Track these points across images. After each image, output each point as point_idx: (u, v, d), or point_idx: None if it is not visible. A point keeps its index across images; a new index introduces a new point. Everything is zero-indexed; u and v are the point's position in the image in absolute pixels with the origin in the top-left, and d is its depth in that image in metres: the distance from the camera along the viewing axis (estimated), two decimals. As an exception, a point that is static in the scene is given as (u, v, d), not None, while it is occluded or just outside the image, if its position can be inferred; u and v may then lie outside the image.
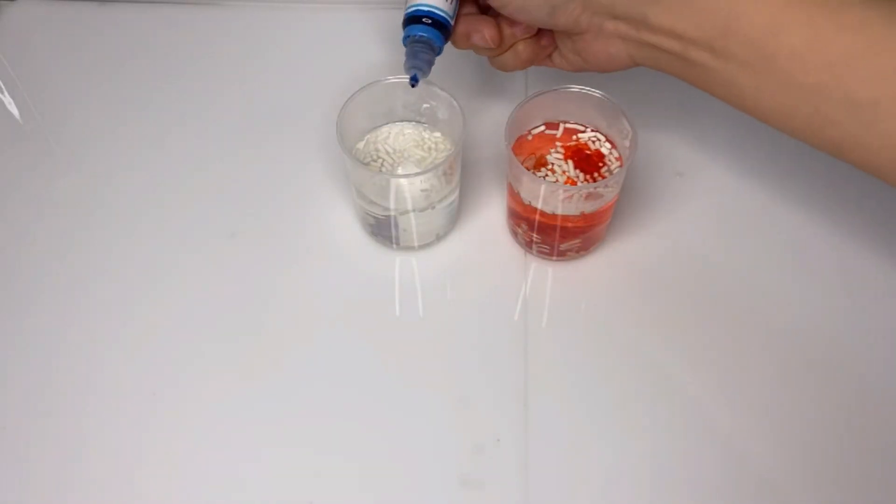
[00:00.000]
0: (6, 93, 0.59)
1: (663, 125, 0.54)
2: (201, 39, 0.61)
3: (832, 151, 0.38)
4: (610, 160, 0.46)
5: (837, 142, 0.37)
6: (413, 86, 0.45)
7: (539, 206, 0.44)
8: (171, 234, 0.51)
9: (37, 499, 0.41)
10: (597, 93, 0.45)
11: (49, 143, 0.56)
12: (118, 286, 0.49)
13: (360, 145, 0.48)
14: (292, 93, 0.57)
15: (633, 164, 0.51)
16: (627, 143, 0.44)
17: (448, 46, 0.46)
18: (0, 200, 0.53)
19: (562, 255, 0.48)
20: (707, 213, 0.50)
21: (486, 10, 0.46)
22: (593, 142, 0.47)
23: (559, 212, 0.44)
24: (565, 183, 0.45)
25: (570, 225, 0.45)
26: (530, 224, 0.46)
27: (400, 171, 0.47)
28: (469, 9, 0.46)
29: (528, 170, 0.44)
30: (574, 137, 0.47)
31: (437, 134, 0.49)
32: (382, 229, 0.48)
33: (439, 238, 0.50)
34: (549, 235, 0.46)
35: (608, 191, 0.44)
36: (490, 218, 0.51)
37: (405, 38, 0.45)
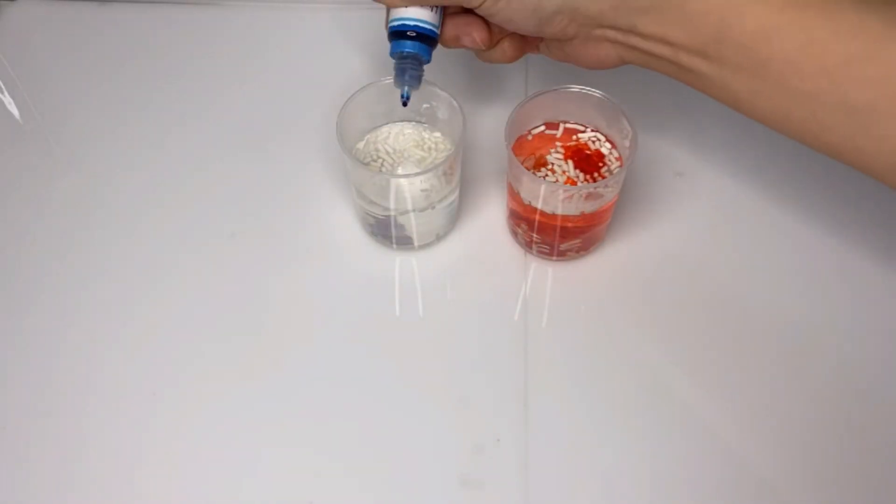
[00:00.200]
0: (6, 93, 0.59)
1: (663, 125, 0.54)
2: (201, 39, 0.61)
3: (829, 154, 0.37)
4: (610, 160, 0.46)
5: (834, 146, 0.37)
6: (405, 104, 0.45)
7: (539, 206, 0.44)
8: (171, 234, 0.51)
9: (37, 499, 0.41)
10: (597, 93, 0.45)
11: (49, 143, 0.56)
12: (118, 286, 0.49)
13: (360, 145, 0.48)
14: (292, 93, 0.57)
15: (633, 164, 0.51)
16: (627, 143, 0.44)
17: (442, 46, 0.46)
18: (0, 200, 0.53)
19: (562, 255, 0.48)
20: (707, 213, 0.50)
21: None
22: (593, 142, 0.47)
23: (559, 212, 0.44)
24: (565, 183, 0.45)
25: (570, 225, 0.45)
26: (530, 224, 0.46)
27: (400, 171, 0.47)
28: (455, 9, 0.45)
29: (528, 170, 0.44)
30: (574, 137, 0.47)
31: (437, 134, 0.49)
32: (382, 229, 0.48)
33: (439, 238, 0.50)
34: (549, 235, 0.46)
35: (608, 191, 0.44)
36: (490, 218, 0.51)
37: (392, 53, 0.44)
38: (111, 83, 0.59)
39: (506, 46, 0.45)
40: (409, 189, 0.45)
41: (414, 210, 0.46)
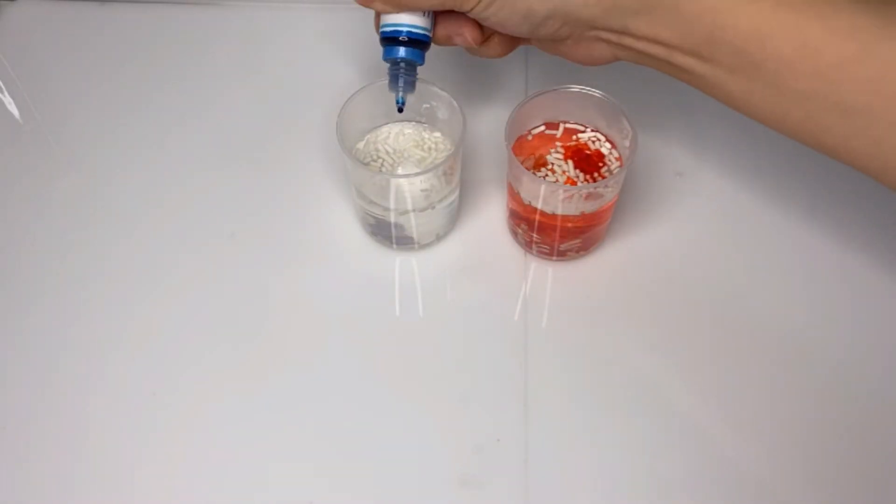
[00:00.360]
0: (6, 93, 0.59)
1: (663, 125, 0.54)
2: (201, 39, 0.61)
3: (828, 154, 0.37)
4: (610, 160, 0.46)
5: (831, 146, 0.37)
6: (400, 110, 0.45)
7: (539, 206, 0.44)
8: (171, 234, 0.51)
9: (37, 499, 0.41)
10: (597, 93, 0.45)
11: (49, 143, 0.56)
12: (118, 286, 0.49)
13: (360, 145, 0.48)
14: (292, 93, 0.57)
15: (633, 164, 0.51)
16: (627, 143, 0.44)
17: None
18: (0, 200, 0.53)
19: (562, 255, 0.48)
20: (707, 212, 0.50)
21: None
22: (593, 142, 0.47)
23: (559, 212, 0.44)
24: (565, 183, 0.45)
25: (570, 225, 0.45)
26: (530, 224, 0.46)
27: (400, 171, 0.47)
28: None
29: (528, 170, 0.44)
30: (574, 137, 0.47)
31: (437, 134, 0.49)
32: (382, 229, 0.48)
33: (439, 238, 0.50)
34: (549, 235, 0.46)
35: (608, 191, 0.44)
36: (490, 218, 0.51)
37: (385, 58, 0.44)
38: (111, 83, 0.59)
39: (496, 42, 0.45)
40: (409, 189, 0.45)
41: (414, 210, 0.46)
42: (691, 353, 0.45)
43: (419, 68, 0.45)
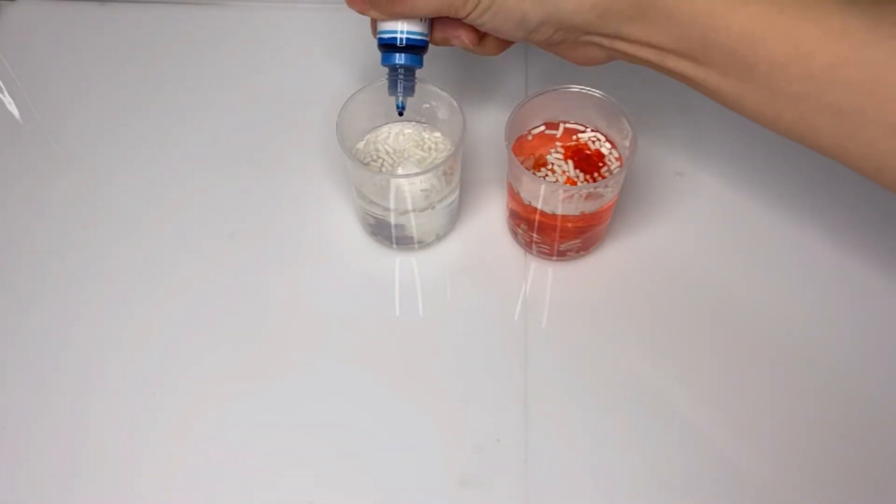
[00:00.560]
0: (6, 93, 0.59)
1: (664, 125, 0.54)
2: (201, 39, 0.61)
3: (822, 154, 0.37)
4: (610, 160, 0.46)
5: (825, 147, 0.37)
6: (400, 114, 0.46)
7: (539, 206, 0.44)
8: (171, 234, 0.51)
9: (37, 499, 0.42)
10: (597, 93, 0.45)
11: (49, 143, 0.56)
12: (118, 286, 0.49)
13: (360, 145, 0.48)
14: (292, 92, 0.57)
15: (633, 164, 0.51)
16: (627, 143, 0.44)
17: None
18: (0, 200, 0.53)
19: (562, 255, 0.48)
20: (707, 212, 0.50)
21: None
22: (593, 142, 0.47)
23: (559, 212, 0.44)
24: (565, 183, 0.45)
25: (570, 225, 0.45)
26: (530, 224, 0.46)
27: (400, 171, 0.47)
28: None
29: (528, 170, 0.44)
30: (574, 137, 0.47)
31: (437, 134, 0.49)
32: (382, 229, 0.48)
33: (439, 238, 0.50)
34: (549, 235, 0.46)
35: (608, 191, 0.44)
36: (490, 218, 0.51)
37: (384, 64, 0.44)
38: (111, 83, 0.59)
39: (492, 41, 0.45)
40: (409, 189, 0.45)
41: (414, 210, 0.46)
42: (691, 352, 0.45)
43: (418, 70, 0.45)
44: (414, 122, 0.49)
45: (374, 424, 0.43)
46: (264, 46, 0.61)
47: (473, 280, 0.48)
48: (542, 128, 0.47)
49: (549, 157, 0.46)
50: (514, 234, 0.49)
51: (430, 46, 0.45)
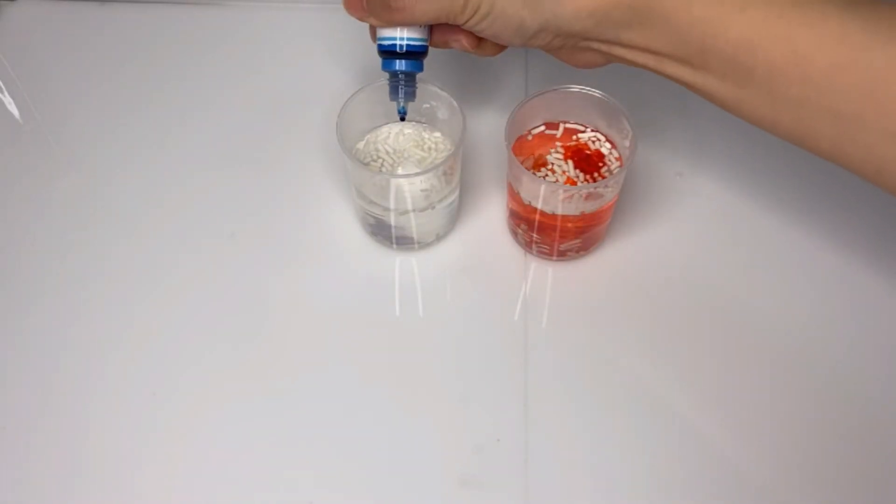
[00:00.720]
0: (6, 93, 0.59)
1: (663, 125, 0.54)
2: (201, 39, 0.61)
3: (821, 157, 0.37)
4: (610, 160, 0.46)
5: (824, 151, 0.37)
6: (402, 119, 0.46)
7: (539, 206, 0.44)
8: (171, 234, 0.51)
9: (37, 499, 0.42)
10: (597, 93, 0.45)
11: (49, 143, 0.56)
12: (118, 286, 0.49)
13: (360, 145, 0.48)
14: (292, 92, 0.57)
15: (633, 164, 0.51)
16: (627, 144, 0.44)
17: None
18: (0, 200, 0.53)
19: (562, 255, 0.48)
20: (707, 212, 0.50)
21: None
22: (593, 142, 0.47)
23: (559, 212, 0.44)
24: (565, 183, 0.45)
25: (570, 225, 0.45)
26: (530, 224, 0.46)
27: (400, 171, 0.47)
28: None
29: (528, 170, 0.44)
30: (574, 137, 0.47)
31: (437, 134, 0.49)
32: (382, 229, 0.48)
33: (439, 238, 0.50)
34: (549, 235, 0.46)
35: (608, 191, 0.44)
36: (490, 218, 0.51)
37: (385, 69, 0.44)
38: (111, 83, 0.59)
39: (490, 43, 0.45)
40: (409, 189, 0.45)
41: (414, 210, 0.46)
42: (691, 352, 0.45)
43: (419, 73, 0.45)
44: (414, 122, 0.49)
45: (373, 424, 0.43)
46: (264, 46, 0.61)
47: (473, 280, 0.48)
48: (542, 128, 0.47)
49: (549, 157, 0.46)
50: (514, 234, 0.49)
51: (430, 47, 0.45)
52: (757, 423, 0.43)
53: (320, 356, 0.45)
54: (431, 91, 0.47)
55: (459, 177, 0.47)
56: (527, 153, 0.47)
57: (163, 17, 0.63)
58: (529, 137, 0.47)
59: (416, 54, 0.44)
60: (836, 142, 0.36)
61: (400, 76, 0.44)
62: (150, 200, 0.52)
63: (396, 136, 0.48)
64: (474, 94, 0.56)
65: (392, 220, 0.47)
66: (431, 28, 0.44)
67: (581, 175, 0.45)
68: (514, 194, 0.46)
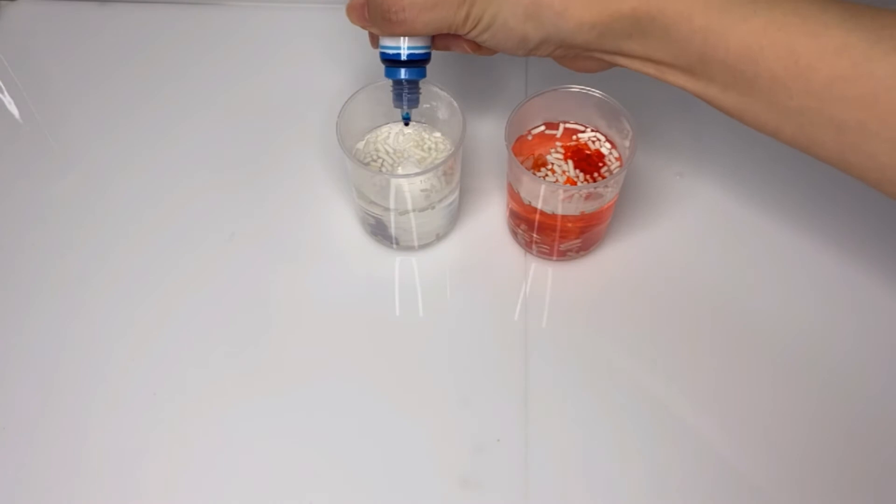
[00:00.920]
0: (6, 93, 0.59)
1: (663, 125, 0.54)
2: (201, 39, 0.61)
3: (824, 162, 0.37)
4: (610, 160, 0.46)
5: (826, 158, 0.37)
6: (406, 124, 0.47)
7: (539, 206, 0.44)
8: (171, 235, 0.51)
9: (37, 499, 0.41)
10: (597, 93, 0.45)
11: (49, 143, 0.56)
12: (118, 286, 0.49)
13: (360, 145, 0.48)
14: (292, 93, 0.57)
15: (633, 165, 0.51)
16: (627, 144, 0.44)
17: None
18: (0, 200, 0.53)
19: (562, 255, 0.48)
20: (707, 213, 0.50)
21: None
22: (593, 142, 0.47)
23: (559, 212, 0.44)
24: (565, 183, 0.45)
25: (570, 225, 0.45)
26: (530, 224, 0.46)
27: (400, 171, 0.47)
28: None
29: (528, 170, 0.44)
30: (574, 137, 0.47)
31: (437, 134, 0.49)
32: (382, 229, 0.48)
33: (439, 238, 0.50)
34: (549, 235, 0.46)
35: (608, 191, 0.44)
36: (490, 218, 0.51)
37: (388, 77, 0.44)
38: (111, 83, 0.59)
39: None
40: (409, 189, 0.45)
41: (414, 210, 0.46)
42: (691, 352, 0.45)
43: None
44: (414, 123, 0.49)
45: (373, 424, 0.43)
46: (264, 46, 0.61)
47: (473, 280, 0.48)
48: (542, 128, 0.47)
49: (548, 157, 0.46)
50: (514, 234, 0.49)
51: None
52: (757, 423, 0.43)
53: (320, 356, 0.45)
54: (431, 91, 0.47)
55: (459, 177, 0.47)
56: (527, 153, 0.47)
57: (163, 17, 0.63)
58: (529, 137, 0.47)
59: (418, 62, 0.44)
60: (839, 150, 0.36)
61: (404, 83, 0.45)
62: (149, 200, 0.52)
63: (396, 137, 0.48)
64: (474, 94, 0.56)
65: (392, 220, 0.47)
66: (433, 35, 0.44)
67: (581, 175, 0.45)
68: (514, 194, 0.46)
